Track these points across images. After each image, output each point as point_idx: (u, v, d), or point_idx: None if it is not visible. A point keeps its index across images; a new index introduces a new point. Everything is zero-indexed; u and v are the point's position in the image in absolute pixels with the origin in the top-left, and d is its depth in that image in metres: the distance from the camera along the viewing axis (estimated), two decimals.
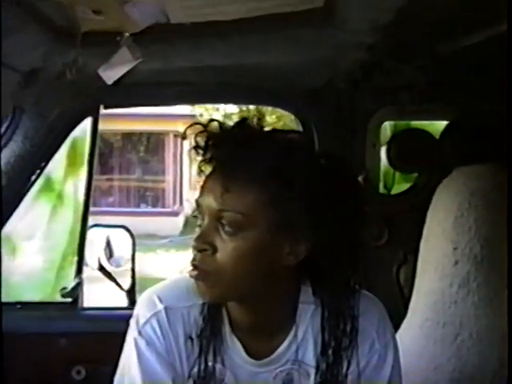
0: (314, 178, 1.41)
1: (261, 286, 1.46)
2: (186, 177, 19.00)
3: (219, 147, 1.44)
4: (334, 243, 1.44)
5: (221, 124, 1.47)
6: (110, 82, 2.02)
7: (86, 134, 2.53)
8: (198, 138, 1.46)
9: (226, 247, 1.41)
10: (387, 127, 2.96)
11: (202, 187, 1.45)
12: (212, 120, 1.47)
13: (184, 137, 1.54)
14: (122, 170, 18.91)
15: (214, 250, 1.41)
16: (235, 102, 3.02)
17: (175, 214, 17.86)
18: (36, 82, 2.19)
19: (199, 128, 1.47)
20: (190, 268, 1.44)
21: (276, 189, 1.39)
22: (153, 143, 18.92)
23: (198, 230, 1.45)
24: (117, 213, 14.76)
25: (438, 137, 2.62)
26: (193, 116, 14.26)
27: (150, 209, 18.36)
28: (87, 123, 2.52)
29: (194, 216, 1.49)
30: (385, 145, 2.72)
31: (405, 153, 2.63)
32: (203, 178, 1.47)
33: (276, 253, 1.43)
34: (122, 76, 2.02)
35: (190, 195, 18.13)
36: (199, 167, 1.47)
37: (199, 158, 1.47)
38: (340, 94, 2.56)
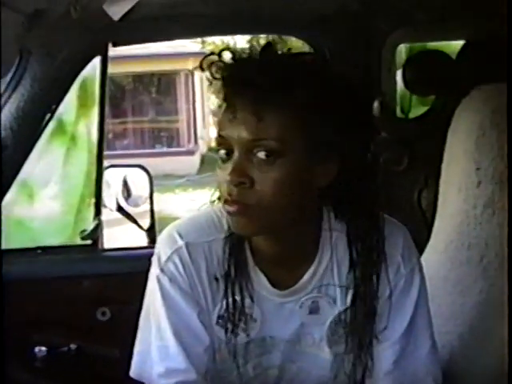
0: (340, 98, 1.40)
1: (296, 214, 1.44)
2: (199, 115, 18.93)
3: (246, 74, 1.39)
4: (357, 165, 1.44)
5: (234, 53, 1.43)
6: (116, 17, 1.98)
7: (96, 73, 2.49)
8: (213, 69, 1.43)
9: (264, 177, 1.38)
10: (402, 50, 2.91)
11: (229, 120, 1.40)
12: (225, 49, 1.44)
13: (202, 69, 1.48)
14: (135, 112, 18.89)
15: (252, 182, 1.38)
16: (246, 33, 2.94)
17: (191, 152, 17.85)
18: (41, 23, 2.14)
19: (212, 59, 1.44)
20: (226, 204, 1.41)
21: (309, 111, 1.37)
22: (164, 83, 18.84)
23: (224, 165, 1.40)
24: (132, 155, 14.77)
25: (454, 57, 2.56)
26: (203, 54, 14.16)
27: (165, 149, 18.35)
28: (96, 62, 2.47)
29: (217, 150, 1.44)
30: (400, 68, 2.67)
31: (421, 75, 2.58)
32: (224, 110, 1.41)
33: (311, 175, 1.41)
34: (128, 12, 1.97)
35: (204, 133, 18.10)
36: (224, 100, 1.42)
37: (214, 90, 1.44)
38: (352, 17, 2.50)
